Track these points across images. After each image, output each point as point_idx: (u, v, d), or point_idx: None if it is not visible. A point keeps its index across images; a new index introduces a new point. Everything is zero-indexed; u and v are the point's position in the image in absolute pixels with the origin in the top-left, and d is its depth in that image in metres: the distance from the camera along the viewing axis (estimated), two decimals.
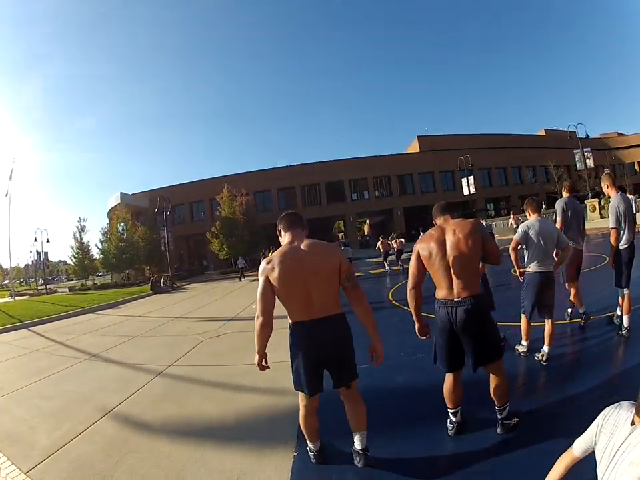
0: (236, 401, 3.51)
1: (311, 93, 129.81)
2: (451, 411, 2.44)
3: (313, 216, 40.51)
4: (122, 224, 30.06)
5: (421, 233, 11.51)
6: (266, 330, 2.03)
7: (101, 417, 3.46)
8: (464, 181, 32.06)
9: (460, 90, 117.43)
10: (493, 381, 2.35)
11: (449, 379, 2.41)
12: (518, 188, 44.16)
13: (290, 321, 2.12)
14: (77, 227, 29.91)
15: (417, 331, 2.47)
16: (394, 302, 7.96)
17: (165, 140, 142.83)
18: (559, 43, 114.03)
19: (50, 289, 30.08)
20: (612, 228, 3.73)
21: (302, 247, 2.07)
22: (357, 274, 14.35)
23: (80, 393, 4.21)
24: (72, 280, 49.93)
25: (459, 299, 2.21)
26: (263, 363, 2.12)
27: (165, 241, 24.80)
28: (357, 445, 2.22)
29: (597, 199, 22.92)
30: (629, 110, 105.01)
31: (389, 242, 16.15)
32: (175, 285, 19.97)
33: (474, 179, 31.84)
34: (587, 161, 25.83)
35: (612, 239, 3.75)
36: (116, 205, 34.29)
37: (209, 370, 4.61)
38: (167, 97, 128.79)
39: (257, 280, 2.10)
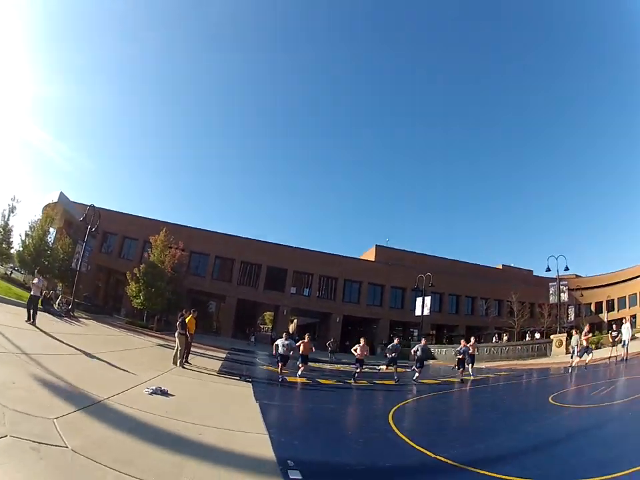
0: None
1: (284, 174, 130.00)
2: None
3: (245, 297, 35.15)
4: (51, 226, 26.87)
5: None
6: None
7: None
8: (418, 300, 30.40)
9: (424, 210, 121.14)
10: None
11: None
12: (468, 318, 41.94)
13: None
14: (9, 205, 25.94)
15: None
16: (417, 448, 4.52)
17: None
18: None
19: None
20: None
21: None
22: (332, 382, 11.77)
23: None
24: None
25: None
26: None
27: (79, 258, 20.31)
28: None
29: (564, 334, 22.24)
30: (583, 254, 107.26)
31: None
32: (70, 313, 16.73)
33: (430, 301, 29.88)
34: (562, 294, 25.24)
35: None
36: (50, 203, 30.03)
37: None
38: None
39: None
